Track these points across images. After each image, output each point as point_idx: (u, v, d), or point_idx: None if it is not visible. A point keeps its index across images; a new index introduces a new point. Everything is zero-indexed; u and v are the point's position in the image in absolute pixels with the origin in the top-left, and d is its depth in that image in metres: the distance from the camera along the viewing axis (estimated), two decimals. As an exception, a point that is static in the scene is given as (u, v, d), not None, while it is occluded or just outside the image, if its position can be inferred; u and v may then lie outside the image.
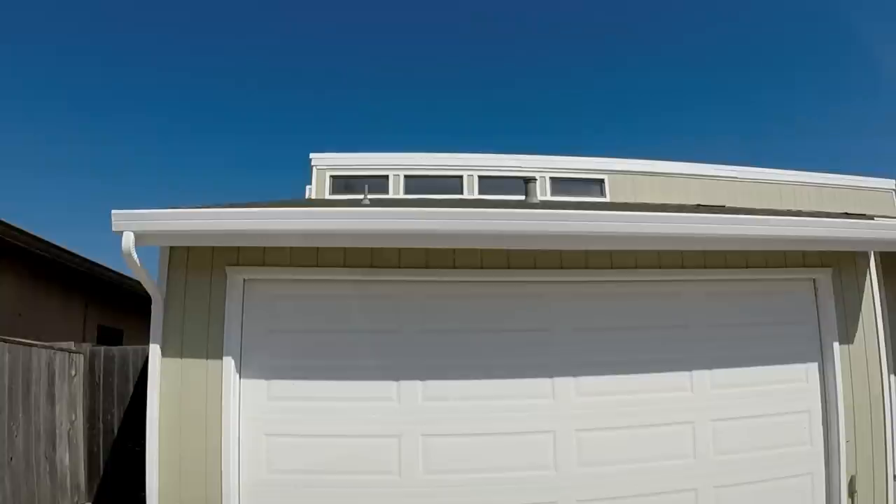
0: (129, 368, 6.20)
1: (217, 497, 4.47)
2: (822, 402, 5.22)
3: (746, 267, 5.26)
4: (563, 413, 4.86)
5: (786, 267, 5.32)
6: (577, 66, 29.91)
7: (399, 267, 4.88)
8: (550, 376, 4.90)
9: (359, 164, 10.58)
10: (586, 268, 5.06)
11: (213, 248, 4.73)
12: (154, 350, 4.59)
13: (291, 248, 4.81)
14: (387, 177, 10.38)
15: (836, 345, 5.23)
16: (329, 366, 4.79)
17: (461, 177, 10.51)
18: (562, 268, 5.02)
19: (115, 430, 6.10)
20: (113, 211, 4.30)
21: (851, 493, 5.06)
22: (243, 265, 4.77)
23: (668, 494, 4.87)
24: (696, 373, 5.09)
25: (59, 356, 5.60)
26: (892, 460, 5.13)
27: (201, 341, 4.64)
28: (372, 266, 4.86)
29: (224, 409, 4.55)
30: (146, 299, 4.75)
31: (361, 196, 8.21)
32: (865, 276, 5.40)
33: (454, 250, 4.87)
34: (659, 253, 5.11)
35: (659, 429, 4.97)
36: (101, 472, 6.05)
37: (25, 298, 8.30)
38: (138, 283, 4.67)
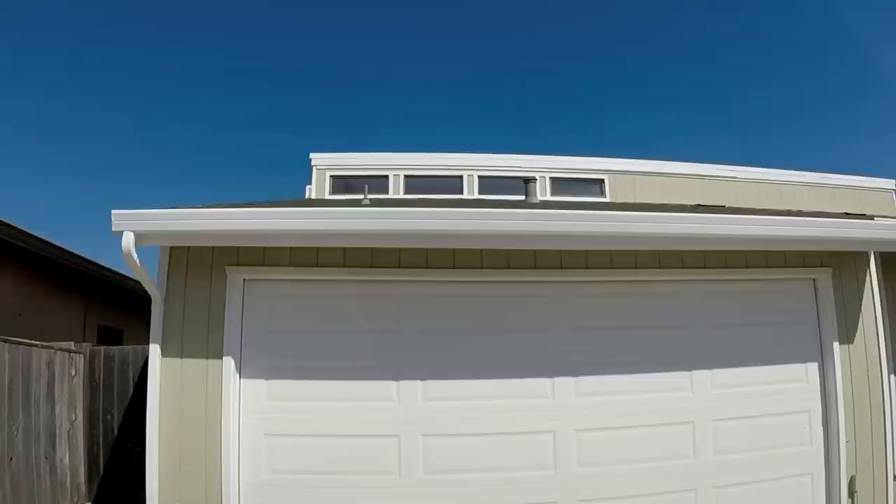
0: (129, 368, 6.20)
1: (217, 497, 4.48)
2: (821, 402, 5.22)
3: (746, 267, 5.26)
4: (563, 413, 4.87)
5: (786, 267, 5.32)
6: (578, 65, 29.94)
7: (399, 267, 4.88)
8: (550, 376, 4.90)
9: (359, 164, 10.58)
10: (586, 268, 5.06)
11: (213, 248, 4.73)
12: (154, 350, 4.59)
13: (291, 248, 4.81)
14: (387, 177, 10.37)
15: (835, 345, 5.23)
16: (329, 366, 4.79)
17: (461, 177, 10.50)
18: (562, 268, 5.03)
19: (115, 430, 6.10)
20: (113, 211, 4.30)
21: (851, 493, 5.06)
22: (243, 265, 4.77)
23: (668, 494, 4.88)
24: (695, 373, 5.09)
25: (59, 356, 5.60)
26: (892, 460, 5.13)
27: (201, 341, 4.64)
28: (372, 266, 4.86)
29: (224, 409, 4.56)
30: (146, 299, 4.75)
31: (361, 196, 8.20)
32: (865, 276, 5.40)
33: (454, 250, 4.88)
34: (659, 253, 5.12)
35: (659, 429, 4.97)
36: (101, 472, 6.05)
37: (25, 298, 8.30)
38: (138, 283, 4.67)
